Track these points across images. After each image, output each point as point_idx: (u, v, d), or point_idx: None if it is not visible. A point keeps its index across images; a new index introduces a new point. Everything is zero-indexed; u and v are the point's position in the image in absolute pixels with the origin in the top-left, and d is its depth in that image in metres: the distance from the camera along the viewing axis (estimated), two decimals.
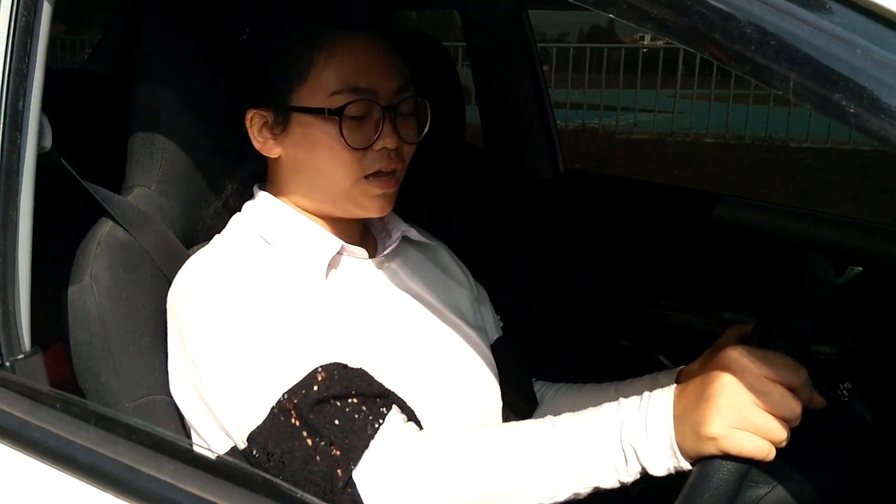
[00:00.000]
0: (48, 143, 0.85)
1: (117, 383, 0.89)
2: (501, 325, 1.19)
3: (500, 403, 1.07)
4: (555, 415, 0.83)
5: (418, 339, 1.01)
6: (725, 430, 0.71)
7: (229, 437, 0.87)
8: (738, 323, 0.99)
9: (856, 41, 0.49)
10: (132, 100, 1.01)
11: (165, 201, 1.01)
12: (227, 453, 0.87)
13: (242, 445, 0.85)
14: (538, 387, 1.19)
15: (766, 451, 0.71)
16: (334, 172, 0.93)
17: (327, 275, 0.96)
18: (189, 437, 0.92)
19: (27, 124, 0.80)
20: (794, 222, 1.85)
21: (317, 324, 0.89)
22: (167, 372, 0.92)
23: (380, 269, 1.03)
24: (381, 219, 1.09)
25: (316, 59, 0.92)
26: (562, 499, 0.79)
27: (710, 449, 0.72)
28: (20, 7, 0.79)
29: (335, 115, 0.91)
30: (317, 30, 0.93)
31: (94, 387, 0.89)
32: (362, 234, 1.06)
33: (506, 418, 1.07)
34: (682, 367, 1.03)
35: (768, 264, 0.96)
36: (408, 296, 1.04)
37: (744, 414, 0.71)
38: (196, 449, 0.68)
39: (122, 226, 0.94)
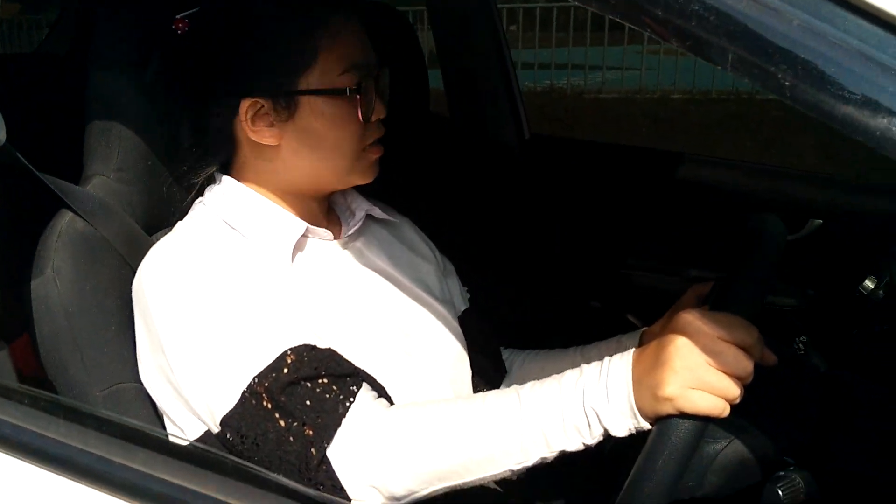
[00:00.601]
0: (2, 136, 0.85)
1: (85, 374, 0.89)
2: (468, 296, 1.21)
3: (468, 373, 1.09)
4: (522, 382, 0.86)
5: (386, 315, 1.02)
6: (681, 391, 0.74)
7: (202, 421, 0.88)
8: (699, 282, 1.02)
9: (792, 13, 0.50)
10: (87, 87, 1.00)
11: (125, 189, 1.00)
12: (200, 438, 0.89)
13: (216, 430, 0.86)
14: (507, 355, 1.21)
15: (720, 409, 0.74)
16: (346, 147, 0.97)
17: (293, 257, 0.97)
18: (161, 423, 0.93)
19: None
20: (757, 179, 1.88)
21: (284, 306, 0.90)
22: (135, 360, 0.93)
23: (345, 249, 1.04)
24: (345, 198, 1.10)
25: (320, 43, 0.93)
26: (529, 464, 0.82)
27: (667, 409, 0.75)
28: None
29: (356, 93, 0.94)
30: (316, 13, 0.94)
31: (62, 378, 0.90)
32: (327, 215, 1.07)
33: (476, 388, 1.10)
34: (645, 328, 1.05)
35: (730, 222, 0.98)
36: (374, 274, 1.05)
37: (698, 374, 0.74)
38: (166, 437, 0.69)
39: (81, 216, 0.93)
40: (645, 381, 0.77)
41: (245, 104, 0.94)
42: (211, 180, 1.02)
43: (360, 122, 0.95)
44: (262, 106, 0.94)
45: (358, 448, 0.82)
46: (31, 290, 0.89)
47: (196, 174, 1.02)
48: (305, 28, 0.93)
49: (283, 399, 0.83)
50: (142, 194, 1.02)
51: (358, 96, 0.94)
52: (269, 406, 0.83)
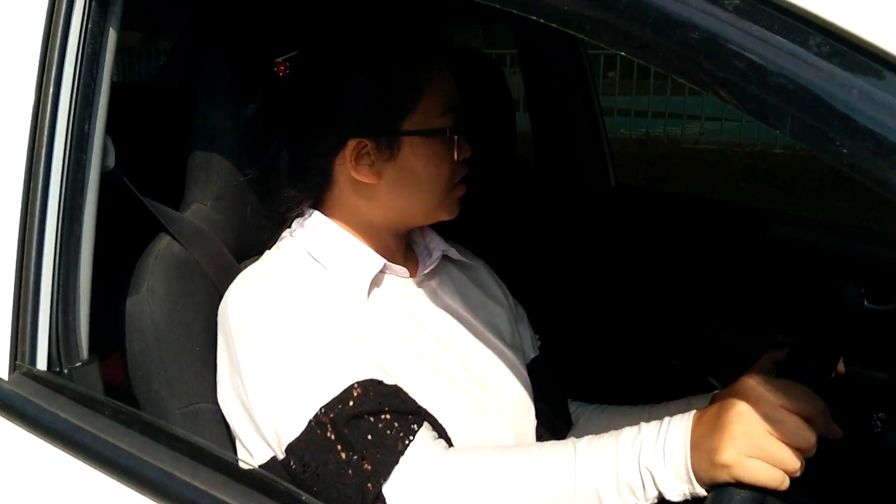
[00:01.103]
0: (111, 161, 0.91)
1: (167, 391, 0.94)
2: (539, 344, 1.21)
3: (533, 423, 1.09)
4: (589, 435, 0.85)
5: (454, 357, 1.03)
6: (739, 458, 0.72)
7: (269, 447, 0.90)
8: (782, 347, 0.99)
9: (850, 80, 0.50)
10: (192, 119, 1.06)
11: (219, 217, 1.05)
12: (266, 463, 0.91)
13: (281, 456, 0.89)
14: (574, 407, 1.20)
15: (779, 481, 0.72)
16: (439, 185, 1.00)
17: (370, 293, 0.99)
18: (233, 445, 0.97)
19: (92, 145, 0.86)
20: (855, 243, 1.81)
21: (356, 340, 0.93)
22: (215, 381, 0.97)
23: (420, 287, 1.06)
24: (423, 237, 1.12)
25: (424, 85, 0.97)
26: None
27: (723, 476, 0.73)
28: (87, 35, 0.85)
29: (455, 133, 0.98)
30: (419, 56, 0.98)
31: (146, 394, 0.94)
32: (405, 253, 1.09)
33: (540, 438, 1.09)
34: (716, 391, 1.03)
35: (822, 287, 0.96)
36: (446, 314, 1.07)
37: (757, 442, 0.72)
38: (227, 457, 0.72)
39: (178, 241, 0.99)
40: (703, 445, 0.75)
41: (351, 144, 0.98)
42: (300, 213, 1.06)
43: (454, 161, 0.99)
44: (366, 146, 0.98)
45: (413, 487, 0.83)
46: (126, 308, 0.94)
47: (291, 208, 1.06)
48: (411, 71, 0.97)
49: (346, 431, 0.85)
50: (235, 223, 1.07)
51: (455, 137, 0.98)
52: (333, 437, 0.85)
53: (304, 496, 0.66)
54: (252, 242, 1.09)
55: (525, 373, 1.11)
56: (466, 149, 1.02)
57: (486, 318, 1.12)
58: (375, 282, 1.01)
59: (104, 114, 0.87)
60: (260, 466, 0.92)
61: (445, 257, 1.11)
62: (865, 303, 0.86)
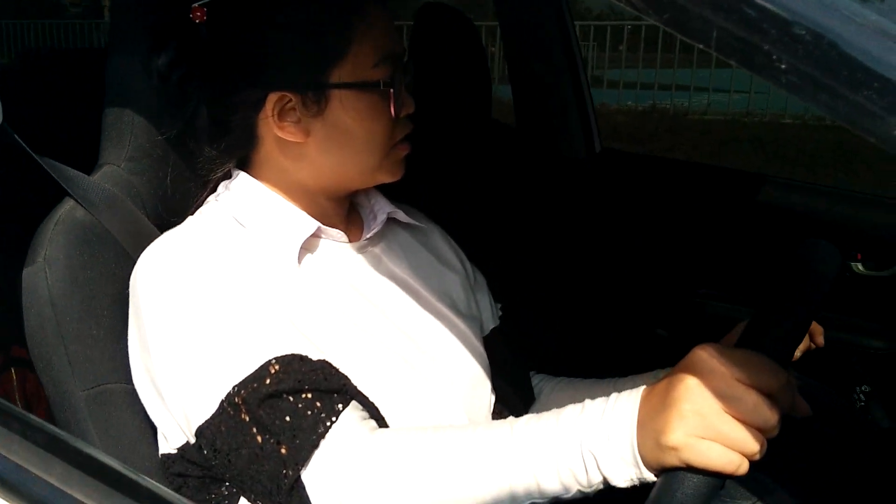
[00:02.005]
0: None
1: (69, 370, 0.85)
2: (500, 314, 1.11)
3: (489, 398, 1.00)
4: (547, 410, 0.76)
5: (397, 327, 0.94)
6: (688, 440, 0.62)
7: (182, 430, 0.82)
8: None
9: None
10: (105, 75, 0.97)
11: (136, 180, 0.96)
12: (181, 447, 0.83)
13: (192, 440, 0.80)
14: (537, 380, 1.11)
15: (736, 465, 0.62)
16: (375, 144, 0.91)
17: (301, 259, 0.90)
18: (152, 429, 0.88)
19: None
20: (853, 208, 1.71)
21: (280, 311, 0.84)
22: (128, 360, 0.88)
23: (361, 253, 0.97)
24: (368, 200, 1.03)
25: (353, 32, 0.87)
26: None
27: (671, 460, 0.64)
28: None
29: (389, 86, 0.88)
30: (351, 3, 0.88)
31: (46, 374, 0.86)
32: (349, 217, 1.00)
33: (498, 413, 1.01)
34: None
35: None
36: (390, 282, 0.97)
37: (710, 422, 0.62)
38: (87, 451, 0.63)
39: (82, 205, 0.89)
40: (649, 424, 0.66)
41: (272, 99, 0.88)
42: (228, 176, 0.96)
43: (392, 117, 0.89)
44: (290, 100, 0.88)
45: (334, 473, 0.75)
46: (23, 279, 0.85)
47: (212, 170, 0.96)
48: (338, 16, 0.87)
49: (261, 413, 0.76)
50: (154, 187, 0.98)
51: (391, 90, 0.88)
52: (247, 419, 0.76)
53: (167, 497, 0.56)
54: (177, 209, 1.00)
55: (479, 344, 1.02)
56: (409, 104, 0.92)
57: (437, 286, 1.02)
58: (309, 247, 0.91)
59: None
60: (176, 451, 0.84)
61: (394, 221, 1.02)
62: (860, 267, 0.76)
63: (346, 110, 0.88)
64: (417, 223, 1.04)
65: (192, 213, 0.95)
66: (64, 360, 0.85)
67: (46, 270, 0.85)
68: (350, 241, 0.96)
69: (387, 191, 1.02)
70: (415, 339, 0.94)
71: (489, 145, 1.66)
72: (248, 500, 0.80)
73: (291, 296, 0.86)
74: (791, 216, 1.70)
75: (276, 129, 0.89)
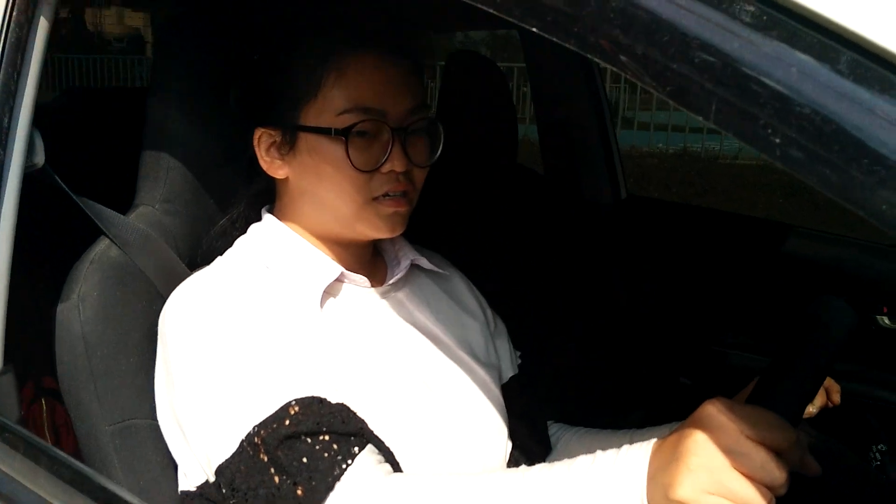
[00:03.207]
0: (40, 159, 0.86)
1: (97, 405, 0.88)
2: (519, 362, 1.12)
3: (505, 446, 1.00)
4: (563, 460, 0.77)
5: (416, 373, 0.95)
6: (696, 495, 0.63)
7: (203, 469, 0.84)
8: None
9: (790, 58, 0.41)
10: (144, 117, 1.01)
11: (169, 221, 1.00)
12: (201, 486, 0.85)
13: (212, 479, 0.82)
14: (555, 429, 1.11)
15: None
16: (340, 195, 0.90)
17: (324, 303, 0.92)
18: (174, 465, 0.90)
19: (13, 141, 0.80)
20: (880, 260, 1.70)
21: (302, 355, 0.86)
22: (154, 395, 0.91)
23: (384, 298, 0.99)
24: (392, 245, 1.05)
25: (326, 77, 0.89)
26: None
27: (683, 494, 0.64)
28: (12, 24, 0.80)
29: (341, 134, 0.87)
30: (328, 47, 0.90)
31: (75, 408, 0.88)
32: (373, 262, 1.02)
33: (515, 462, 1.01)
34: None
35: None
36: (411, 327, 0.99)
37: (718, 478, 0.63)
38: (111, 488, 0.65)
39: (116, 244, 0.93)
40: (658, 477, 0.66)
41: (258, 133, 0.92)
42: (257, 217, 1.00)
43: (354, 168, 0.87)
44: (273, 137, 0.92)
45: None
46: (56, 315, 0.89)
47: (239, 210, 1.00)
48: (313, 58, 0.89)
49: (279, 454, 0.78)
50: (187, 227, 1.01)
51: (344, 140, 0.86)
52: (265, 459, 0.78)
53: None
54: (208, 250, 1.03)
55: (497, 392, 1.03)
56: (397, 161, 0.88)
57: (457, 333, 1.04)
58: (332, 291, 0.93)
59: (31, 108, 0.82)
60: (196, 488, 0.86)
61: (418, 267, 1.03)
62: (886, 321, 0.77)
63: (311, 154, 0.90)
64: (440, 270, 1.05)
65: (221, 255, 0.98)
66: (92, 394, 0.87)
67: (80, 307, 0.88)
68: (373, 286, 0.98)
69: (411, 236, 1.04)
70: (433, 386, 0.95)
71: (514, 191, 1.68)
72: None
73: (313, 339, 0.88)
74: (818, 267, 1.69)
75: (261, 163, 0.93)
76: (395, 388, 0.91)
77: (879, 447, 0.93)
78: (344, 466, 0.77)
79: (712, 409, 0.65)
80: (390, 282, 0.99)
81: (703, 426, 0.65)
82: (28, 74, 0.82)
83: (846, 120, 0.37)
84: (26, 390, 1.43)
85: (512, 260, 1.53)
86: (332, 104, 0.88)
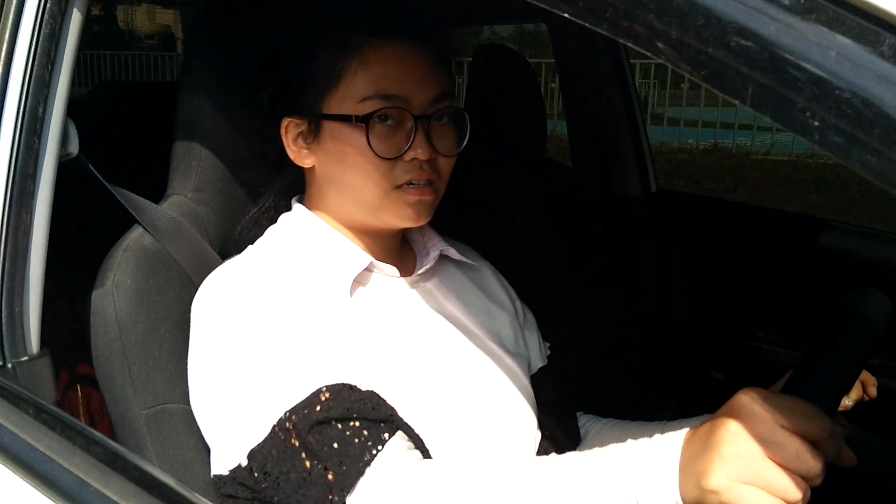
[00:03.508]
0: (74, 148, 0.87)
1: (131, 389, 0.89)
2: (548, 353, 1.12)
3: (535, 437, 1.00)
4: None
5: (446, 363, 0.95)
6: (730, 484, 0.62)
7: (236, 453, 0.85)
8: None
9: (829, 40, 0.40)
10: (176, 109, 1.02)
11: (201, 210, 1.01)
12: (234, 470, 0.86)
13: (244, 463, 0.83)
14: (584, 420, 1.11)
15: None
16: (363, 183, 0.90)
17: (353, 292, 0.93)
18: (207, 449, 0.91)
19: (47, 130, 0.82)
20: None
21: (332, 342, 0.86)
22: (187, 381, 0.92)
23: (413, 288, 0.99)
24: (422, 236, 1.05)
25: (348, 65, 0.89)
26: None
27: (712, 503, 0.63)
28: (45, 14, 0.81)
29: (362, 121, 0.88)
30: (351, 36, 0.90)
31: (110, 392, 0.90)
32: (401, 251, 1.02)
33: (543, 451, 1.01)
34: None
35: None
36: (440, 317, 0.99)
37: (752, 467, 0.62)
38: (144, 466, 0.66)
39: (150, 232, 0.94)
40: (691, 466, 0.66)
41: (285, 122, 0.93)
42: (287, 207, 1.00)
43: (376, 156, 0.87)
44: (300, 127, 0.93)
45: (378, 500, 0.76)
46: (91, 301, 0.90)
47: (270, 200, 1.01)
48: (336, 49, 0.90)
49: (310, 439, 0.78)
50: (219, 216, 1.02)
51: (365, 127, 0.87)
52: (297, 444, 0.79)
53: None
54: (239, 239, 1.04)
55: (527, 383, 1.03)
56: (420, 149, 0.88)
57: (486, 324, 1.04)
58: (362, 280, 0.94)
59: (64, 98, 0.83)
60: (228, 472, 0.87)
61: (447, 257, 1.04)
62: None
63: (334, 142, 0.90)
64: (469, 261, 1.06)
65: (252, 244, 0.99)
66: (127, 379, 0.89)
67: (114, 294, 0.89)
68: (403, 276, 0.98)
69: (440, 228, 1.05)
70: (462, 375, 0.96)
71: (543, 184, 1.67)
72: None
73: (343, 327, 0.89)
74: (851, 262, 1.67)
75: (289, 152, 0.94)
76: (424, 377, 0.92)
77: None
78: (374, 452, 0.78)
79: (746, 399, 0.64)
80: (419, 272, 0.99)
81: (737, 415, 0.64)
82: (62, 65, 0.83)
83: (887, 103, 0.37)
84: (62, 376, 1.46)
85: (541, 253, 1.53)
86: (354, 91, 0.89)
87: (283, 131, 0.94)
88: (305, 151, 0.94)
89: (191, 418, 0.92)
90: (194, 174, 1.00)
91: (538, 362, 1.10)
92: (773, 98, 0.39)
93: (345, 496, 0.76)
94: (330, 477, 0.77)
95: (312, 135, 0.92)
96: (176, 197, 1.00)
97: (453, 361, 0.96)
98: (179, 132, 1.01)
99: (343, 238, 0.95)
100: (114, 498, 0.60)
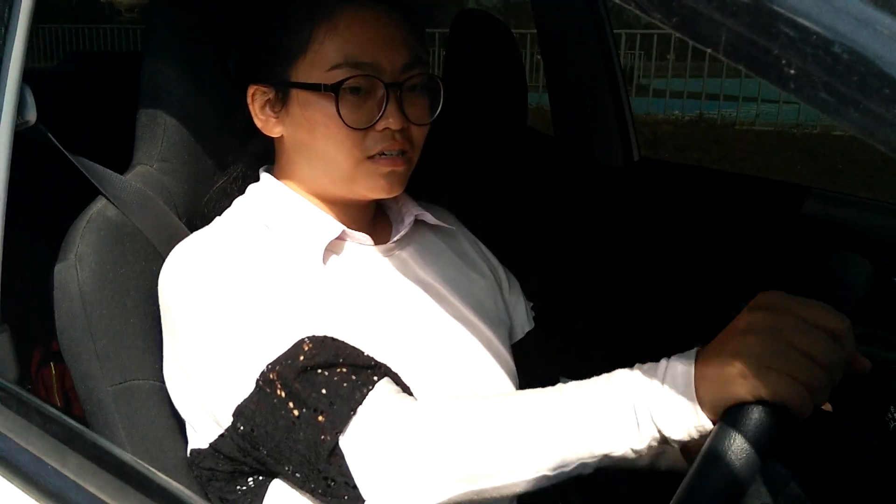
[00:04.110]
0: (32, 116, 0.84)
1: (97, 365, 0.86)
2: (533, 315, 1.11)
3: None
4: None
5: (420, 331, 0.94)
6: (756, 368, 0.62)
7: (217, 422, 0.82)
8: None
9: None
10: (140, 77, 0.99)
11: (167, 180, 0.98)
12: (215, 441, 0.83)
13: (228, 422, 0.80)
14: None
15: (802, 397, 0.62)
16: (333, 153, 0.87)
17: (326, 260, 0.90)
18: (179, 424, 0.89)
19: (2, 97, 0.78)
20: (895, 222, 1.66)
21: (308, 304, 0.84)
22: (156, 357, 0.90)
23: (387, 256, 0.97)
24: (396, 202, 1.03)
25: (316, 32, 0.86)
26: (568, 469, 0.71)
27: (736, 390, 0.63)
28: None
29: (331, 90, 0.85)
30: (319, 1, 0.87)
31: (76, 368, 0.87)
32: (376, 219, 1.00)
33: None
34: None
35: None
36: (414, 285, 0.97)
37: (777, 349, 0.62)
38: (102, 444, 0.64)
39: (114, 204, 0.91)
40: (710, 369, 0.65)
41: (252, 90, 0.90)
42: (256, 177, 0.98)
43: (346, 126, 0.85)
44: (267, 95, 0.90)
45: (373, 440, 0.74)
46: (55, 275, 0.87)
47: (238, 170, 0.98)
48: (302, 14, 0.87)
49: (297, 386, 0.76)
50: (186, 186, 1.00)
51: (334, 96, 0.84)
52: (283, 394, 0.76)
53: (180, 492, 0.56)
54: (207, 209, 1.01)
55: (504, 349, 1.01)
56: (392, 119, 0.85)
57: (463, 289, 1.02)
58: (335, 249, 0.92)
59: (20, 64, 0.80)
60: (208, 445, 0.85)
61: (422, 223, 1.01)
62: None
63: (303, 111, 0.87)
64: (446, 224, 1.03)
65: (220, 215, 0.96)
66: (92, 355, 0.86)
67: (77, 267, 0.87)
68: (377, 244, 0.96)
69: (417, 194, 1.02)
70: (439, 343, 0.94)
71: (524, 153, 1.65)
72: (287, 475, 0.80)
73: (317, 293, 0.87)
74: (834, 229, 1.66)
75: (256, 121, 0.91)
76: (398, 345, 0.90)
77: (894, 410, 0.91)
78: (365, 391, 0.76)
79: (770, 294, 0.65)
80: (394, 239, 0.97)
81: (762, 307, 0.65)
82: (16, 30, 0.80)
83: (867, 49, 0.34)
84: (35, 353, 1.43)
85: (523, 222, 1.51)
86: (322, 59, 0.86)
87: (249, 99, 0.91)
88: (273, 120, 0.91)
89: (161, 395, 0.90)
90: (160, 143, 0.97)
91: (526, 326, 1.09)
92: (747, 46, 0.36)
93: (337, 436, 0.74)
94: (321, 419, 0.75)
95: (280, 103, 0.89)
96: (141, 167, 0.97)
97: (429, 329, 0.94)
98: (144, 100, 0.97)
99: (314, 207, 0.93)
100: (71, 476, 0.58)
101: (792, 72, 0.35)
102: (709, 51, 0.37)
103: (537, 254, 1.43)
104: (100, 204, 0.91)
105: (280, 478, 0.84)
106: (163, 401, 0.91)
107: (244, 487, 0.86)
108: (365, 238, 0.94)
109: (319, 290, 0.87)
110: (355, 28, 0.86)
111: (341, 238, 0.92)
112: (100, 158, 0.96)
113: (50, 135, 0.87)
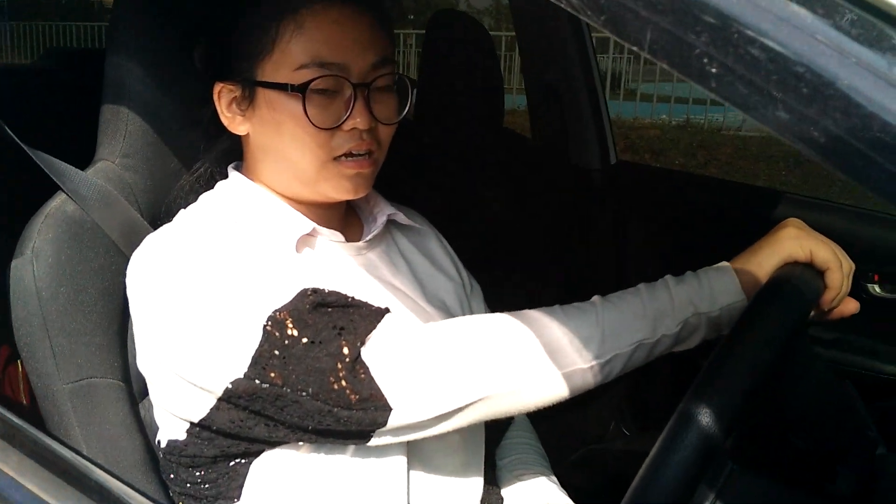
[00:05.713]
0: None
1: (53, 363, 0.86)
2: None
3: None
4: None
5: None
6: (799, 233, 0.78)
7: (212, 393, 0.79)
8: None
9: None
10: (103, 72, 0.98)
11: (130, 177, 0.97)
12: (210, 413, 0.81)
13: (238, 377, 0.76)
14: None
15: (838, 262, 0.77)
16: (300, 154, 0.86)
17: (300, 251, 0.89)
18: (138, 423, 0.89)
19: None
20: (872, 227, 1.66)
21: (289, 279, 0.82)
22: (116, 354, 0.89)
23: (359, 255, 0.96)
24: (367, 202, 1.02)
25: (283, 30, 0.85)
26: (605, 359, 0.79)
27: (785, 248, 0.78)
28: None
29: (298, 91, 0.84)
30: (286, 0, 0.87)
31: (32, 365, 0.86)
32: (347, 219, 0.99)
33: (491, 421, 0.99)
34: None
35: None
36: (382, 287, 0.96)
37: (812, 235, 0.78)
38: (43, 440, 0.63)
39: (72, 199, 0.90)
40: (752, 258, 0.80)
41: (218, 88, 0.89)
42: (224, 174, 0.97)
43: (313, 126, 0.84)
44: (233, 92, 0.89)
45: (396, 347, 0.77)
46: (11, 270, 0.86)
47: (204, 167, 0.97)
48: (269, 12, 0.86)
49: (309, 320, 0.76)
50: (148, 183, 0.99)
51: (301, 96, 0.83)
52: (296, 332, 0.76)
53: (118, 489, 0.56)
54: (170, 206, 1.01)
55: None
56: (360, 119, 0.85)
57: (431, 291, 1.01)
58: (306, 243, 0.90)
59: None
60: (207, 415, 0.81)
61: (393, 223, 1.01)
62: (877, 289, 0.94)
63: (270, 110, 0.86)
64: (416, 224, 1.03)
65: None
66: (48, 352, 0.85)
67: (34, 263, 0.86)
68: (348, 241, 0.95)
69: (389, 195, 1.02)
70: None
71: (500, 155, 1.65)
72: (292, 428, 0.79)
73: (293, 275, 0.84)
74: None
75: (222, 118, 0.90)
76: None
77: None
78: (383, 314, 0.79)
79: (793, 219, 0.81)
80: (367, 238, 0.96)
81: (787, 225, 0.81)
82: None
83: (788, 47, 0.34)
84: (2, 351, 1.42)
85: (497, 225, 1.50)
86: (289, 58, 0.85)
87: (215, 96, 0.90)
88: (240, 118, 0.90)
89: (119, 393, 0.89)
90: (122, 139, 0.96)
91: None
92: (672, 43, 0.36)
93: (359, 348, 0.76)
94: (342, 330, 0.77)
95: (247, 101, 0.88)
96: (103, 163, 0.96)
97: None
98: (107, 95, 0.96)
99: (284, 205, 0.92)
100: (11, 474, 0.57)
101: (713, 70, 0.35)
102: (635, 49, 0.37)
103: (512, 254, 1.43)
104: (59, 199, 0.90)
105: (269, 449, 0.83)
106: (121, 399, 0.90)
107: (226, 471, 0.85)
108: (336, 235, 0.93)
109: (295, 273, 0.85)
110: (322, 27, 0.85)
111: (312, 234, 0.91)
112: (66, 154, 0.95)
113: (7, 129, 0.86)
